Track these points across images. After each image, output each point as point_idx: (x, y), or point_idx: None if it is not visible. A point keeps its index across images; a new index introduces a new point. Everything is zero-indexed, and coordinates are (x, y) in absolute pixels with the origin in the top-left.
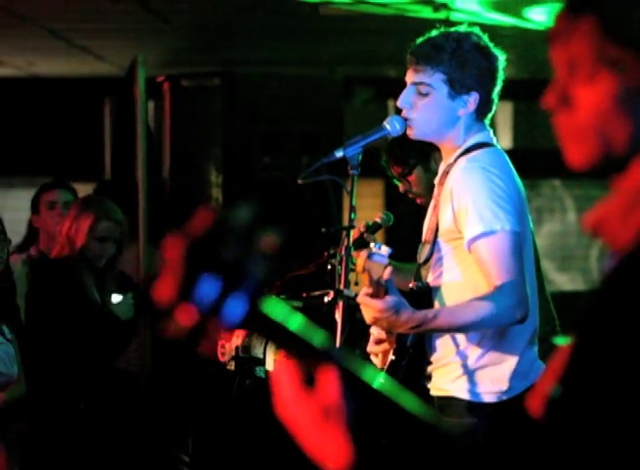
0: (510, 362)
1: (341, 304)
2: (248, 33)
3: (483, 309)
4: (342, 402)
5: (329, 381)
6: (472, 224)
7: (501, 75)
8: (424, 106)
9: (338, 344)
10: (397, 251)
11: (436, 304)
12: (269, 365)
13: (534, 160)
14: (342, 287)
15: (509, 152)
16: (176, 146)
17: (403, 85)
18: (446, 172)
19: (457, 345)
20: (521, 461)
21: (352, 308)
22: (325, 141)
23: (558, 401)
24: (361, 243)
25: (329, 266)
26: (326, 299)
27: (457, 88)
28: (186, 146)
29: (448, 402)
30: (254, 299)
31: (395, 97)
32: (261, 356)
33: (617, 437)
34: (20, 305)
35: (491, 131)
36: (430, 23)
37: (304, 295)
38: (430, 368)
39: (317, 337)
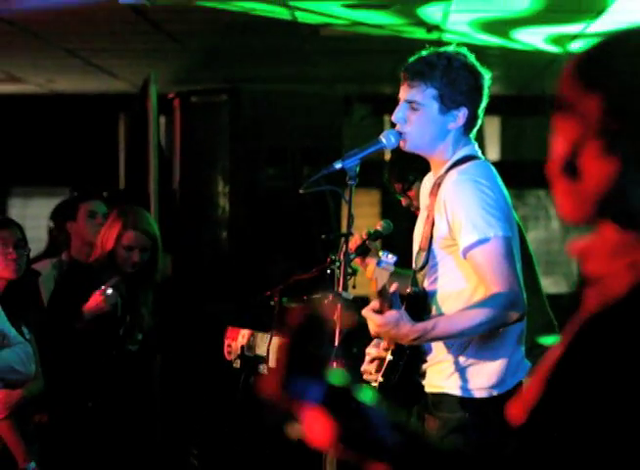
0: (500, 361)
1: (339, 305)
2: (252, 53)
3: (480, 315)
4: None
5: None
6: (466, 233)
7: (487, 92)
8: (417, 120)
9: (336, 345)
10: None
11: (433, 307)
12: (272, 363)
13: (520, 171)
14: (340, 290)
15: (496, 164)
16: (186, 158)
17: (398, 102)
18: (437, 184)
19: (450, 344)
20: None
21: (350, 310)
22: (325, 154)
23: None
24: (363, 249)
25: (329, 271)
26: (325, 301)
27: (447, 104)
28: (195, 158)
29: (441, 399)
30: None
31: (391, 113)
32: (265, 355)
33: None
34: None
35: (476, 144)
36: (423, 44)
37: (305, 297)
38: (424, 366)
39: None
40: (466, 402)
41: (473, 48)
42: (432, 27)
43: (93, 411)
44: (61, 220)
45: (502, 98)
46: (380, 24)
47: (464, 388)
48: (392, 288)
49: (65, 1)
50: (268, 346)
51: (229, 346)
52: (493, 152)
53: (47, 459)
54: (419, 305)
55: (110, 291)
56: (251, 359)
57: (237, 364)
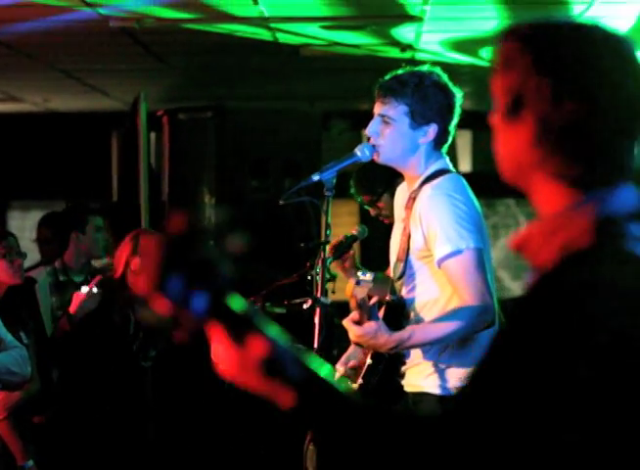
0: (474, 361)
1: (318, 310)
2: (237, 72)
3: (453, 324)
4: (273, 352)
5: (259, 339)
6: (441, 245)
7: (458, 110)
8: (389, 134)
9: (316, 346)
10: (371, 258)
11: (411, 313)
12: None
13: (491, 182)
14: (319, 295)
15: (468, 175)
16: (174, 171)
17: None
18: (412, 198)
19: (428, 348)
20: None
21: (329, 314)
22: (305, 167)
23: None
24: (341, 252)
25: (309, 277)
26: (305, 306)
27: (418, 119)
28: (183, 171)
29: (421, 398)
30: (221, 294)
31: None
32: None
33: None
34: (43, 311)
35: (447, 158)
36: (397, 62)
37: (286, 302)
38: (404, 368)
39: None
40: (444, 401)
41: (444, 66)
42: (405, 47)
43: (99, 420)
44: (64, 229)
45: (473, 113)
46: (356, 44)
47: (442, 387)
48: (371, 301)
49: (59, 25)
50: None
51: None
52: (465, 164)
53: (43, 458)
54: (397, 311)
55: (95, 289)
56: None
57: None
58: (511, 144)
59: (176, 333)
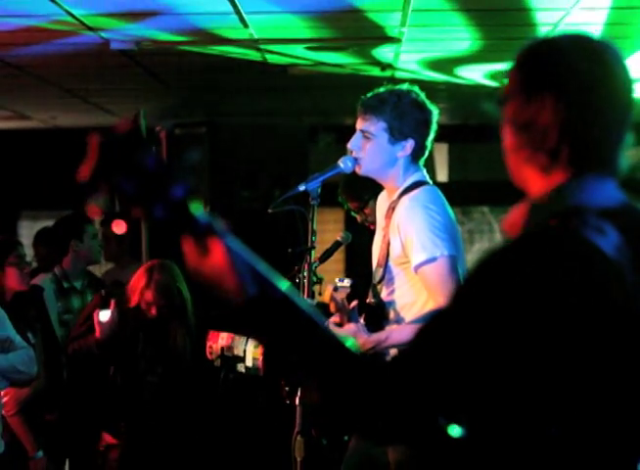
0: None
1: None
2: (229, 90)
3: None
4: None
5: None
6: (417, 253)
7: (434, 126)
8: (369, 148)
9: None
10: (355, 262)
11: (391, 315)
12: (248, 362)
13: (466, 191)
14: (306, 297)
15: (445, 184)
16: None
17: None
18: (392, 208)
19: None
20: None
21: None
22: (293, 178)
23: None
24: (327, 257)
25: (297, 280)
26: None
27: (396, 135)
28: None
29: None
30: (182, 200)
31: None
32: (242, 355)
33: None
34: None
35: (424, 170)
36: (378, 80)
37: None
38: None
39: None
40: None
41: (422, 83)
42: (385, 66)
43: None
44: (63, 238)
45: (449, 127)
46: (339, 64)
47: None
48: (351, 305)
49: (65, 48)
50: (245, 347)
51: (210, 347)
52: (442, 174)
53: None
54: (378, 312)
55: (114, 314)
56: (229, 359)
57: (217, 363)
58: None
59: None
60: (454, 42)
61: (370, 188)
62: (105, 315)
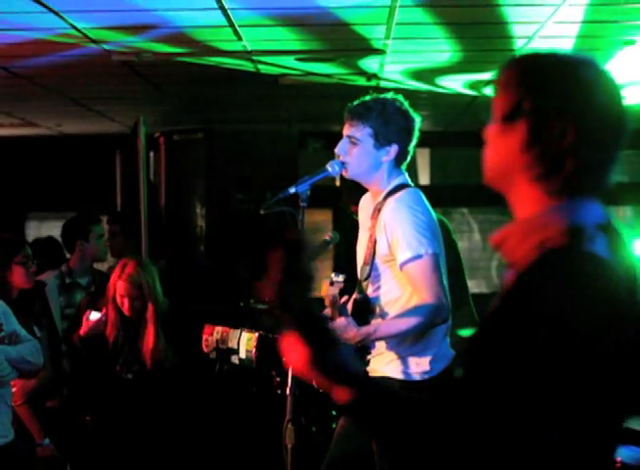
0: (431, 350)
1: None
2: (224, 99)
3: (413, 320)
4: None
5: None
6: (402, 251)
7: (417, 133)
8: (356, 153)
9: None
10: (341, 260)
11: (377, 310)
12: (242, 354)
13: (447, 193)
14: None
15: (427, 187)
16: (170, 185)
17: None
18: (377, 210)
19: (390, 340)
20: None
21: None
22: (284, 181)
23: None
24: (316, 252)
25: None
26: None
27: (381, 140)
28: (177, 185)
29: (383, 381)
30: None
31: None
32: (236, 347)
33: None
34: (54, 310)
35: (407, 174)
36: (364, 89)
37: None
38: (369, 357)
39: None
40: (403, 384)
41: (405, 92)
42: (370, 76)
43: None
44: (70, 238)
45: (431, 133)
46: (327, 74)
47: (402, 372)
48: (342, 300)
49: (70, 59)
50: (238, 340)
51: (206, 340)
52: (424, 177)
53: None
54: (364, 308)
55: (103, 317)
56: (224, 351)
57: (212, 355)
58: (502, 149)
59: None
60: (436, 54)
61: None
62: (94, 316)
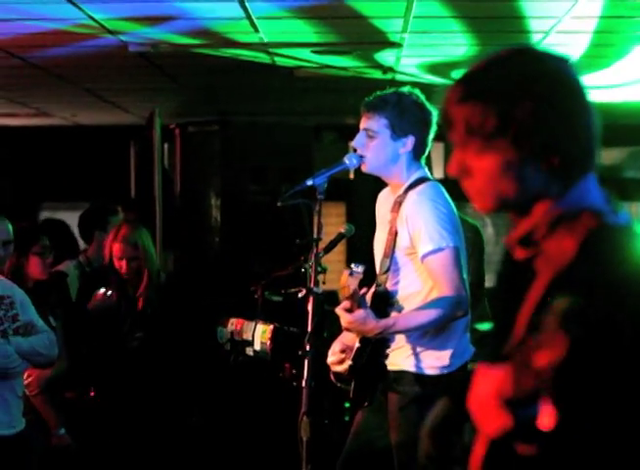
0: (450, 345)
1: (311, 298)
2: (239, 90)
3: (432, 313)
4: None
5: None
6: (424, 243)
7: (434, 126)
8: (373, 146)
9: (309, 330)
10: (356, 253)
11: (396, 302)
12: (257, 346)
13: (459, 187)
14: (312, 285)
15: (440, 181)
16: (185, 177)
17: (359, 130)
18: (398, 203)
19: (410, 333)
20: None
21: (321, 302)
22: (299, 173)
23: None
24: (331, 245)
25: (303, 269)
26: (300, 294)
27: (397, 131)
28: (192, 177)
29: (401, 375)
30: None
31: (354, 139)
32: (251, 339)
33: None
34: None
35: (426, 168)
36: (380, 83)
37: (283, 291)
38: (388, 350)
39: None
40: (420, 378)
41: (421, 86)
42: (386, 69)
43: (98, 398)
44: (88, 228)
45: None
46: (344, 67)
47: (419, 366)
48: (361, 291)
49: (86, 49)
50: (253, 332)
51: (221, 331)
52: (438, 171)
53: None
54: (383, 300)
55: (108, 293)
56: (239, 343)
57: (227, 347)
58: (493, 164)
59: None
60: (452, 48)
61: None
62: (102, 291)
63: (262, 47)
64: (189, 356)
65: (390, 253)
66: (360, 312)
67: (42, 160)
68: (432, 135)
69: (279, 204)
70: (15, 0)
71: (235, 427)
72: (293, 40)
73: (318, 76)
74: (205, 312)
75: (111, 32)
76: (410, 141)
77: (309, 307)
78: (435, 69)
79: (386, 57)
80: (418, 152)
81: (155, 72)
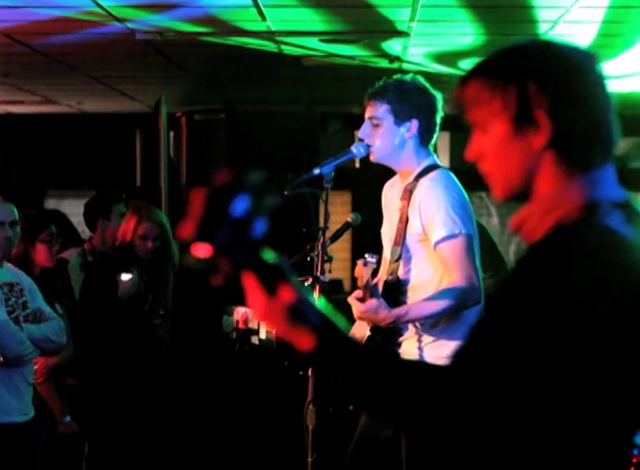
0: (461, 334)
1: (317, 287)
2: (246, 79)
3: (444, 302)
4: (300, 301)
5: (286, 288)
6: (438, 229)
7: (439, 109)
8: (378, 134)
9: None
10: (362, 242)
11: (408, 290)
12: (262, 334)
13: (466, 177)
14: (318, 274)
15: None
16: (191, 165)
17: (364, 119)
18: (409, 191)
19: (422, 323)
20: None
21: (327, 291)
22: (305, 162)
23: (462, 354)
24: (337, 234)
25: (309, 258)
26: (306, 283)
27: (400, 116)
28: (198, 165)
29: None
30: (257, 247)
31: (359, 128)
32: (256, 327)
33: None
34: (75, 288)
35: (436, 155)
36: (387, 72)
37: None
38: (401, 339)
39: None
40: None
41: (427, 75)
42: (393, 58)
43: (124, 375)
44: (91, 217)
45: (452, 117)
46: (350, 56)
47: (433, 356)
48: (374, 281)
49: (93, 37)
50: (259, 321)
51: (226, 320)
52: (444, 161)
53: (77, 414)
54: (395, 289)
55: (134, 276)
56: (244, 332)
57: (233, 336)
58: (519, 153)
59: (213, 278)
60: (459, 37)
61: None
62: (126, 277)
63: (269, 35)
64: (197, 344)
65: (402, 241)
66: (372, 302)
67: (48, 147)
68: (438, 120)
69: (285, 192)
70: None
71: (241, 415)
72: (300, 29)
73: (325, 65)
74: (213, 300)
75: (118, 20)
76: (414, 125)
77: (315, 296)
78: (443, 58)
79: (393, 46)
80: (425, 137)
81: (161, 61)
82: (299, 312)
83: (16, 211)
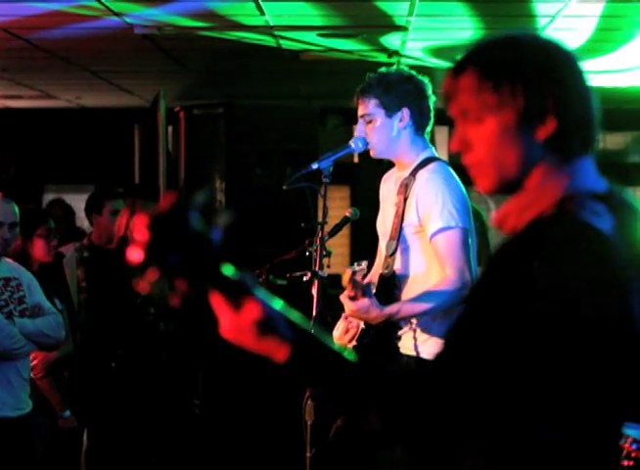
0: None
1: (316, 282)
2: (244, 73)
3: (436, 298)
4: (268, 314)
5: (252, 303)
6: (434, 221)
7: (429, 94)
8: (373, 130)
9: (314, 314)
10: (360, 237)
11: (404, 285)
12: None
13: (464, 171)
14: (317, 269)
15: None
16: (190, 160)
17: None
18: (404, 185)
19: (419, 318)
20: None
21: (325, 286)
22: (304, 157)
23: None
24: (336, 229)
25: (307, 253)
26: (305, 278)
27: (390, 107)
28: (197, 160)
29: (414, 361)
30: (215, 263)
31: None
32: None
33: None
34: (70, 282)
35: (434, 148)
36: (385, 66)
37: (288, 275)
38: (400, 332)
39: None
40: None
41: (426, 69)
42: (392, 53)
43: (116, 370)
44: (87, 212)
45: None
46: (349, 50)
47: (428, 353)
48: (365, 280)
49: (91, 31)
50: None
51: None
52: (442, 155)
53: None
54: (391, 283)
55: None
56: None
57: None
58: (519, 147)
59: (172, 299)
60: (458, 32)
61: None
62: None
63: (268, 30)
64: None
65: (397, 235)
66: (364, 301)
67: (47, 142)
68: (430, 104)
69: (284, 187)
70: None
71: (239, 410)
72: (298, 23)
73: (323, 60)
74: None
75: (116, 14)
76: (405, 113)
77: (314, 291)
78: (441, 52)
79: (391, 40)
80: (419, 123)
81: (160, 55)
82: (268, 326)
83: (17, 211)
